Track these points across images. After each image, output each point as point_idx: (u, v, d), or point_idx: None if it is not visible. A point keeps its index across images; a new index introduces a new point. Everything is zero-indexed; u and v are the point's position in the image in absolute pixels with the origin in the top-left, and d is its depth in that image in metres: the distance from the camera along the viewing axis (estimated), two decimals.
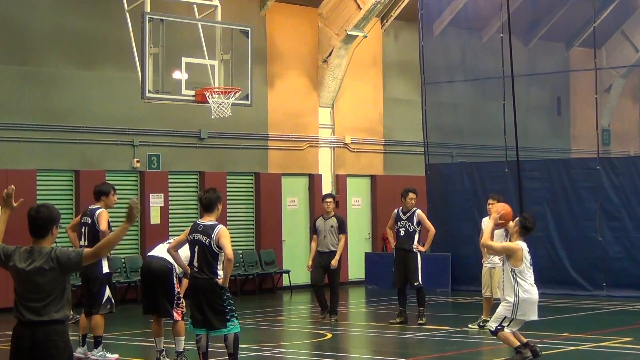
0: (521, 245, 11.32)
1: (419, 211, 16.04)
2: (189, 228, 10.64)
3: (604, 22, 24.49)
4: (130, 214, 6.43)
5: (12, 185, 6.82)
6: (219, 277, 10.33)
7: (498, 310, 11.45)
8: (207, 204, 10.51)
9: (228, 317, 10.40)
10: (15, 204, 6.75)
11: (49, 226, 6.46)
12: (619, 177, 20.05)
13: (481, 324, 14.91)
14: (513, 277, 11.27)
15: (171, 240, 12.36)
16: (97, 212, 12.50)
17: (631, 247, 19.78)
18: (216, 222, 10.48)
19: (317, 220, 16.59)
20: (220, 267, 10.36)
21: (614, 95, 28.15)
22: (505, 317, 11.31)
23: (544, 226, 19.82)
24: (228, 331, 10.42)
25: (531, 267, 11.42)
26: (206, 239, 10.32)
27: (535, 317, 11.41)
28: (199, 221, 10.60)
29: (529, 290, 11.26)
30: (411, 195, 16.03)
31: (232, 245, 10.53)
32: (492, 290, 14.91)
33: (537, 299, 11.41)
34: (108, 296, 12.37)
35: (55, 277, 6.34)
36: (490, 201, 15.16)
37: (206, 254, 10.33)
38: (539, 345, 12.04)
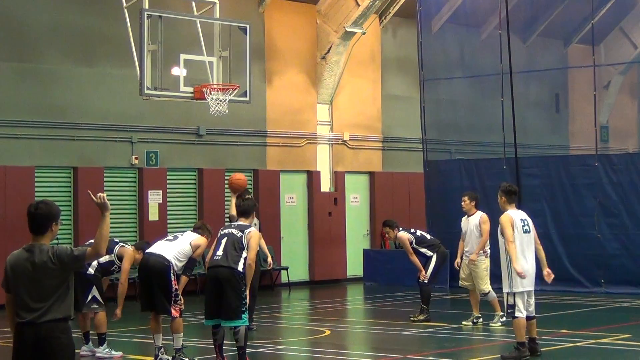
0: (510, 215, 11.39)
1: (399, 234, 15.95)
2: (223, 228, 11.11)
3: (602, 19, 24.45)
4: (101, 206, 6.43)
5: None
6: (239, 269, 10.58)
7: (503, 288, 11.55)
8: (244, 210, 11.06)
9: (243, 309, 10.59)
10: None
11: (48, 223, 6.39)
12: (617, 174, 20.02)
13: (474, 320, 15.03)
14: (505, 247, 11.38)
15: (170, 236, 12.38)
16: None
17: (629, 244, 19.77)
18: (252, 226, 10.98)
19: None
20: (242, 261, 10.63)
21: (613, 92, 28.10)
22: (507, 294, 11.37)
23: (542, 223, 19.74)
24: (242, 323, 10.60)
25: (528, 233, 11.46)
26: (238, 233, 10.74)
27: (530, 288, 11.49)
28: (235, 222, 11.21)
29: (519, 258, 11.30)
30: (385, 229, 16.27)
31: None
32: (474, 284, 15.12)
33: (532, 269, 11.46)
34: (93, 295, 12.31)
35: (58, 275, 6.29)
36: (465, 199, 15.38)
37: (234, 245, 10.68)
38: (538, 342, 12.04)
